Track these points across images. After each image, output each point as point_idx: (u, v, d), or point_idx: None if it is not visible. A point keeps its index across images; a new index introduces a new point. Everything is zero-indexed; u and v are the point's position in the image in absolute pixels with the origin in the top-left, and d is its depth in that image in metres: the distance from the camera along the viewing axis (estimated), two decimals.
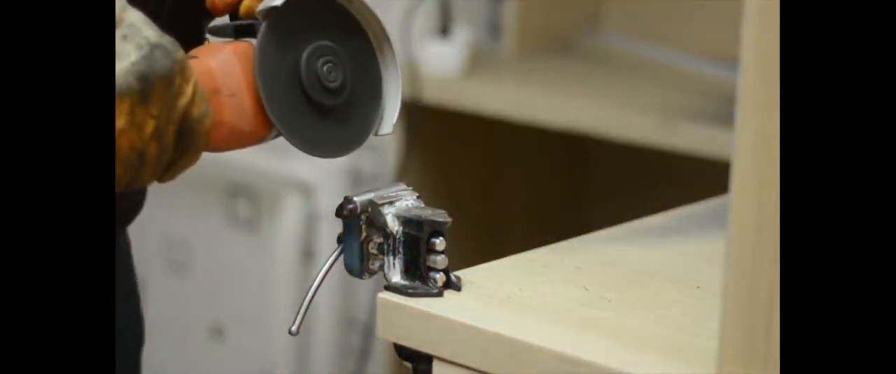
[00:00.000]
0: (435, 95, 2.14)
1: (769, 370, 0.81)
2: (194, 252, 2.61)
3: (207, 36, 1.04)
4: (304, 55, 0.99)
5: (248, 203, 2.53)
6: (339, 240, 1.02)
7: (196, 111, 0.90)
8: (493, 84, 2.15)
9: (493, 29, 2.37)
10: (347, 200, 1.00)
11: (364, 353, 2.42)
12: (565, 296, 1.01)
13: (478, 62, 2.20)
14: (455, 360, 0.96)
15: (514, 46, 2.32)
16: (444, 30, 2.19)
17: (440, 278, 0.99)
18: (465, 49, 2.15)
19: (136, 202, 1.16)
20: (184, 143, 0.91)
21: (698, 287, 1.04)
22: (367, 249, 1.01)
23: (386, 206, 1.00)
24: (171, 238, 2.58)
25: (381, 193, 1.01)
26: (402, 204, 1.01)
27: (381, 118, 1.04)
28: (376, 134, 1.04)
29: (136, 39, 0.87)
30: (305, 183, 2.40)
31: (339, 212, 1.01)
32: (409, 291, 0.99)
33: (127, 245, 1.19)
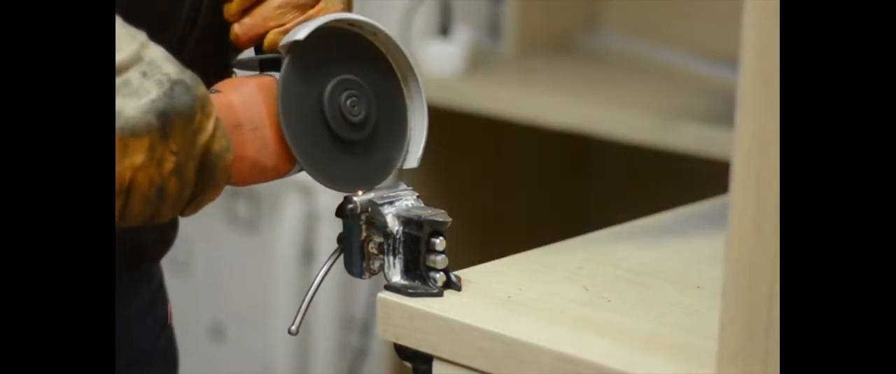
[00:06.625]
0: (435, 95, 2.14)
1: (769, 369, 0.81)
2: (194, 252, 2.61)
3: (234, 70, 1.03)
4: (328, 89, 0.98)
5: (247, 203, 2.53)
6: (339, 240, 1.02)
7: (217, 146, 0.90)
8: (493, 84, 2.15)
9: (493, 29, 2.37)
10: (347, 200, 1.00)
11: (363, 353, 2.42)
12: (565, 296, 1.01)
13: (478, 62, 2.19)
14: (455, 360, 0.96)
15: (514, 46, 2.32)
16: (444, 30, 2.19)
17: (440, 277, 0.99)
18: (465, 49, 2.15)
19: (168, 237, 1.15)
20: (205, 178, 0.90)
21: (698, 287, 1.04)
22: (367, 249, 1.01)
23: (386, 206, 1.00)
24: None
25: (381, 193, 1.01)
26: (402, 204, 1.01)
27: (407, 152, 1.04)
28: (401, 168, 1.03)
29: (156, 76, 0.86)
30: (305, 183, 2.40)
31: (339, 212, 1.01)
32: (409, 291, 0.99)
33: (160, 276, 1.19)
